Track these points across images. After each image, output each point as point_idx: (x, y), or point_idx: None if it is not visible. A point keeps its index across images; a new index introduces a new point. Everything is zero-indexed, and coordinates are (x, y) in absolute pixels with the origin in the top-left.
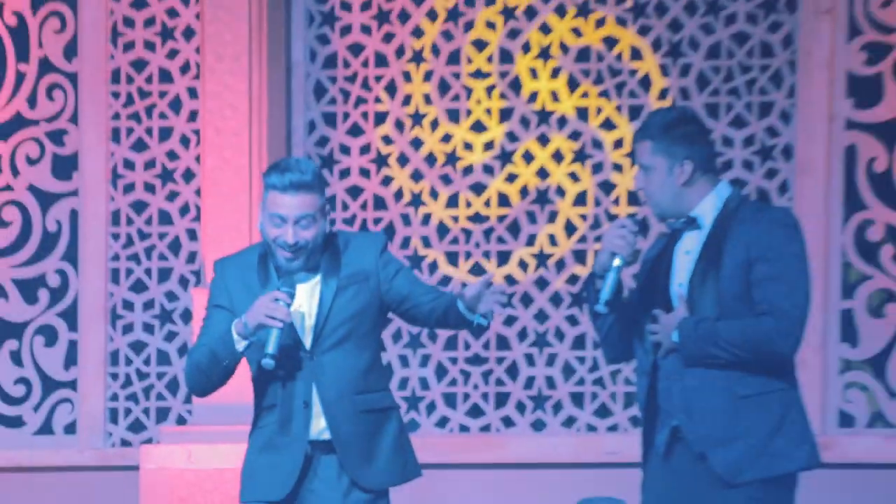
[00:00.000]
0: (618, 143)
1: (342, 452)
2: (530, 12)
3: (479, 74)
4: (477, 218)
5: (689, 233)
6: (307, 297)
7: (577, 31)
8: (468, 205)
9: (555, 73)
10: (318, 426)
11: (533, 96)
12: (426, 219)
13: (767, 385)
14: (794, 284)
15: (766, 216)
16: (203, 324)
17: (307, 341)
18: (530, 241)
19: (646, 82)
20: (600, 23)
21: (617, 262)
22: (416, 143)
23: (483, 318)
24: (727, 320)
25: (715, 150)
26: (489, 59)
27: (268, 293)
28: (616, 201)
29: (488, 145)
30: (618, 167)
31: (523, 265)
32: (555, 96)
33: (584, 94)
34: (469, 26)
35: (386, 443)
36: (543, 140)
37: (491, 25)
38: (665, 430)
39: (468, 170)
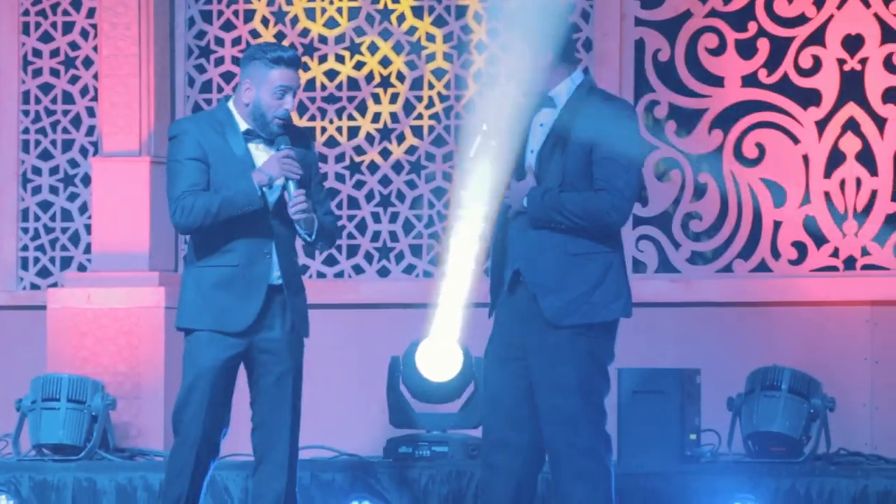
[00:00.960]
0: (448, 37)
1: (289, 295)
2: None
3: None
4: (330, 98)
5: (546, 108)
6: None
7: None
8: (323, 88)
9: None
10: (274, 273)
11: None
12: None
13: (595, 247)
14: (628, 167)
15: (611, 105)
16: (179, 173)
17: (292, 189)
18: (375, 118)
19: None
20: None
21: (484, 126)
22: (279, 36)
23: (308, 234)
24: (570, 193)
25: (573, 40)
26: None
27: (281, 151)
28: (447, 85)
29: (339, 38)
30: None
31: (370, 138)
32: None
33: None
34: None
35: (304, 297)
36: (386, 35)
37: None
38: (509, 272)
39: (323, 58)
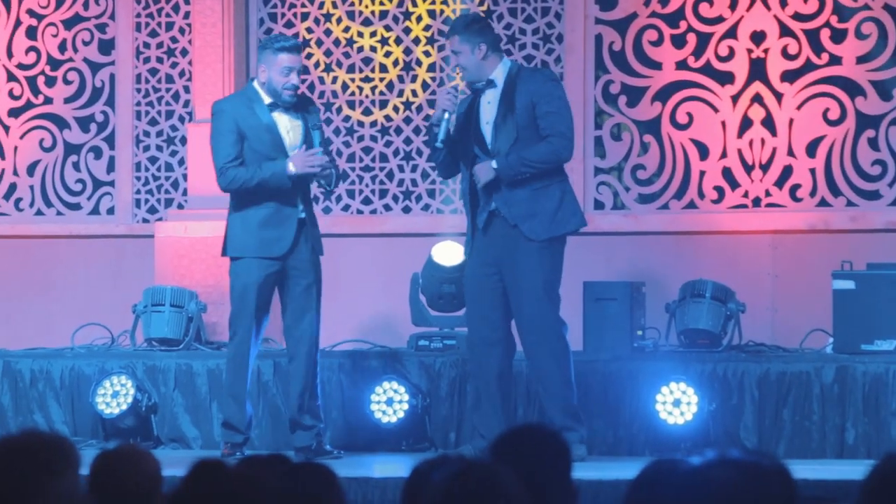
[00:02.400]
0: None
1: (310, 225)
2: None
3: None
4: (366, 79)
5: (489, 90)
6: (294, 132)
7: None
8: (360, 70)
9: None
10: (300, 208)
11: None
12: (334, 80)
13: (549, 180)
14: (564, 115)
15: (539, 74)
16: (221, 145)
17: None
18: (400, 93)
19: None
20: None
21: (447, 115)
22: (327, 32)
23: (328, 186)
24: (527, 149)
25: (498, 37)
26: None
27: (311, 151)
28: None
29: (373, 33)
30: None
31: (396, 108)
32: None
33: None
34: None
35: (317, 223)
36: (407, 30)
37: None
38: (484, 214)
39: (360, 49)
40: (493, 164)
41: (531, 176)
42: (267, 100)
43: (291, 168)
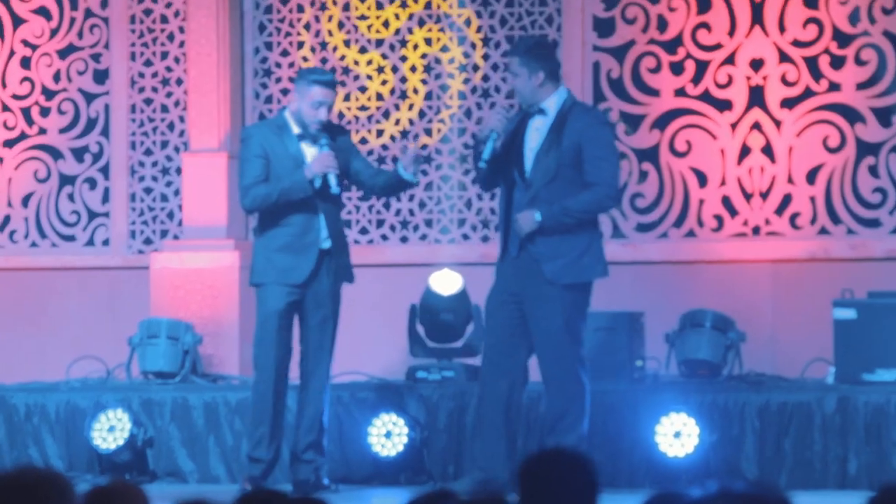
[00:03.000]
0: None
1: (335, 256)
2: None
3: (362, 17)
4: (362, 108)
5: (539, 116)
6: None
7: None
8: (357, 100)
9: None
10: (324, 238)
11: (397, 31)
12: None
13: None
14: (611, 162)
15: (592, 114)
16: (247, 168)
17: (332, 180)
18: (397, 122)
19: (468, 22)
20: None
21: (493, 135)
22: (323, 61)
23: (413, 176)
24: (571, 197)
25: (559, 66)
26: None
27: (322, 152)
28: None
29: (369, 62)
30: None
31: (392, 138)
32: (410, 30)
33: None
34: None
35: (347, 254)
36: (403, 59)
37: None
38: (516, 243)
39: (356, 77)
40: (537, 216)
41: (573, 226)
42: (296, 129)
43: (312, 169)
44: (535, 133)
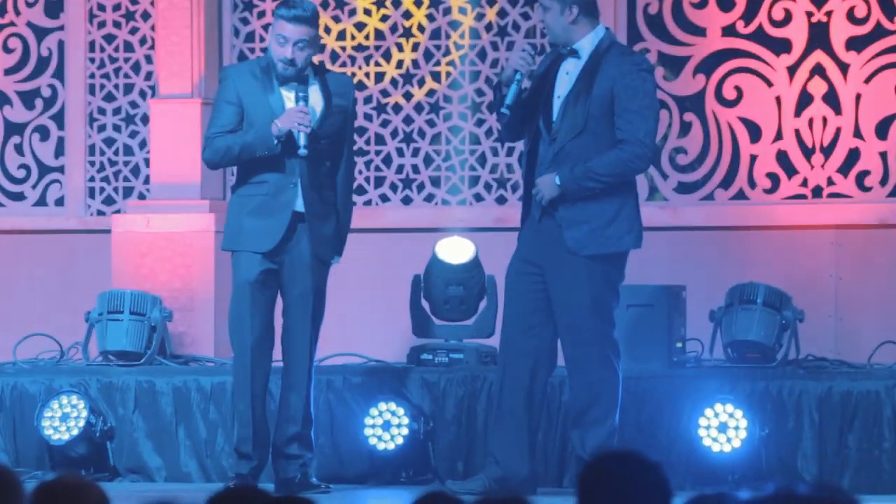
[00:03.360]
0: None
1: (309, 221)
2: None
3: None
4: (359, 48)
5: (571, 59)
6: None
7: None
8: (353, 38)
9: None
10: (298, 201)
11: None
12: (321, 49)
13: (611, 187)
14: (646, 117)
15: (629, 59)
16: (216, 116)
17: (301, 140)
18: (399, 65)
19: None
20: None
21: (518, 77)
22: None
23: (305, 146)
24: (595, 159)
25: (594, 1)
26: None
27: (296, 107)
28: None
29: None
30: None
31: (394, 82)
32: None
33: None
34: None
35: (330, 225)
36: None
37: None
38: (539, 205)
39: (352, 12)
40: (557, 179)
41: (601, 191)
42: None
43: (277, 125)
44: (566, 78)
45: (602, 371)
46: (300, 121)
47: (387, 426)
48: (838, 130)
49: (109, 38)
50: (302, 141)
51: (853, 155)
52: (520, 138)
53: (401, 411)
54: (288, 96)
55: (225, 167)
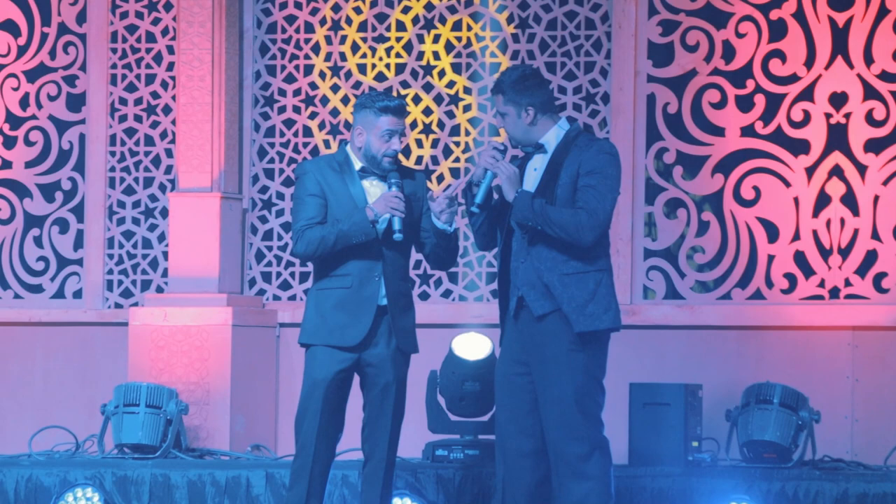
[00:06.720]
0: (482, 90)
1: (392, 314)
2: None
3: (380, 39)
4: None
5: (538, 154)
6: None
7: (452, 9)
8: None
9: (436, 39)
10: (381, 294)
11: (420, 55)
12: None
13: (585, 267)
14: (604, 195)
15: (596, 144)
16: (300, 209)
17: (396, 224)
18: (418, 160)
19: (503, 45)
20: (469, 3)
21: (488, 175)
22: (335, 88)
23: (448, 224)
24: (556, 207)
25: (552, 96)
26: (387, 28)
27: (389, 192)
28: (482, 132)
29: (388, 90)
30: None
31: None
32: (436, 56)
33: (458, 55)
34: (374, 3)
35: (411, 317)
36: (428, 87)
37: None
38: (514, 299)
39: None
40: (524, 193)
41: (563, 255)
42: (358, 165)
43: (373, 209)
44: (533, 174)
45: (585, 466)
46: (395, 206)
47: None
48: (856, 232)
49: (130, 132)
50: (396, 225)
51: (870, 256)
52: (491, 246)
53: None
54: (370, 188)
55: (318, 258)
